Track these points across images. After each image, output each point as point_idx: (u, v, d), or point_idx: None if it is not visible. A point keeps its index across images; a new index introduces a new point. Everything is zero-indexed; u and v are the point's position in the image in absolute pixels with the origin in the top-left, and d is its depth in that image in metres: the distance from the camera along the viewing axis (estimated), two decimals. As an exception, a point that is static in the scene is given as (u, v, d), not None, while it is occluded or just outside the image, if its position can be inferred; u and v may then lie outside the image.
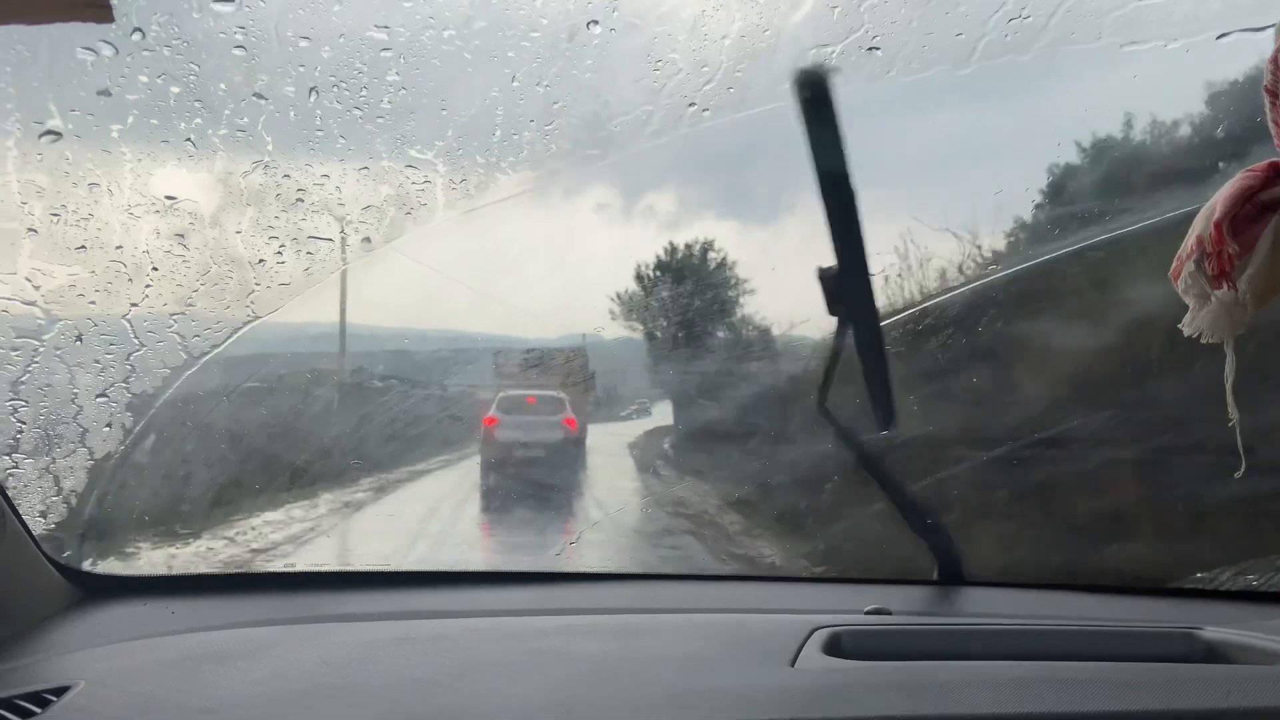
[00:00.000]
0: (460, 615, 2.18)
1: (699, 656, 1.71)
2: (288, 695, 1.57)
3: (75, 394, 2.20)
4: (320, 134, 1.59)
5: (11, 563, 1.98)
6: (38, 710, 1.48)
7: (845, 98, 1.38)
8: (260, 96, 1.53)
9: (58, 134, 1.63)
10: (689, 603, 2.25)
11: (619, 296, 9.85)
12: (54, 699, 1.51)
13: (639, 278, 9.75)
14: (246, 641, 1.93)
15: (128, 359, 2.11)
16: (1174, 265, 1.37)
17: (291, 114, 1.56)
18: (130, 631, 2.06)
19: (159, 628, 2.09)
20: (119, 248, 1.82)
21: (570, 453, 8.62)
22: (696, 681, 1.55)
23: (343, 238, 1.95)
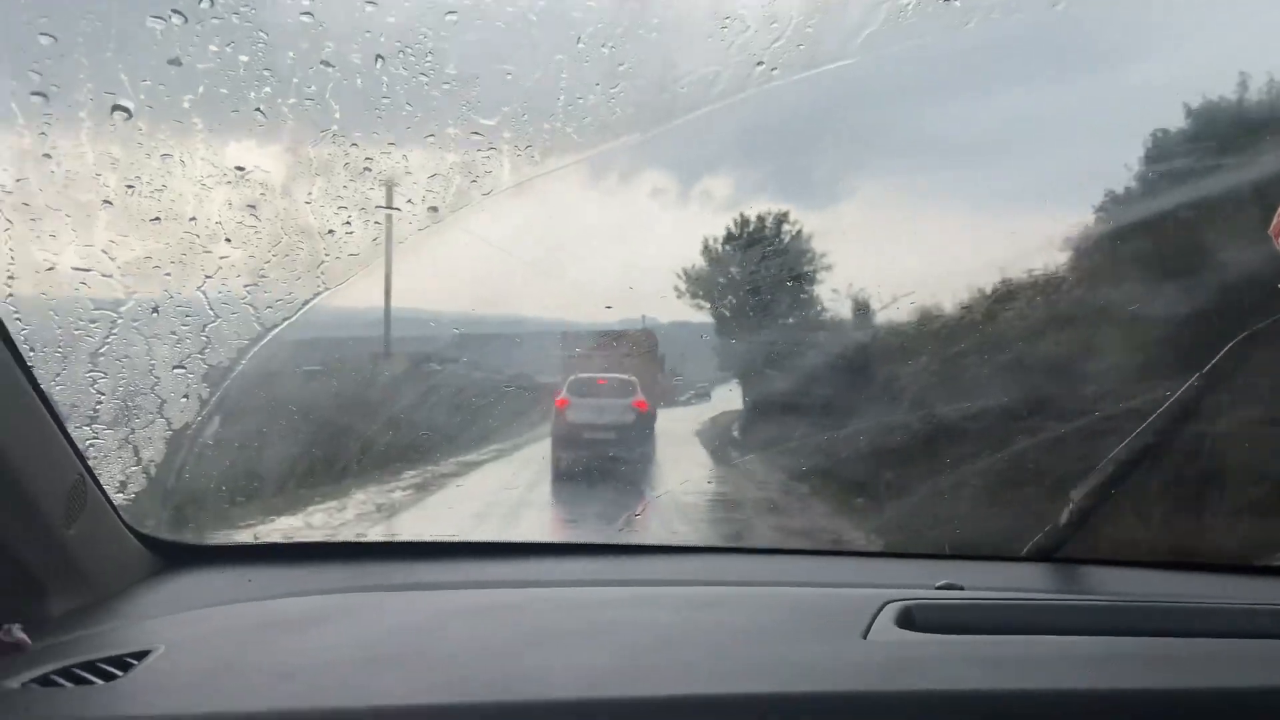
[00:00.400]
0: (528, 585, 2.19)
1: (768, 628, 1.69)
2: (361, 661, 1.58)
3: (153, 365, 2.23)
4: (387, 101, 1.58)
5: (94, 532, 2.03)
6: (119, 673, 1.52)
7: (920, 52, 1.31)
8: (327, 64, 1.53)
9: (128, 110, 1.65)
10: (755, 576, 2.22)
11: (684, 273, 9.66)
12: (135, 662, 1.55)
13: (706, 252, 9.51)
14: (321, 608, 1.96)
15: (203, 330, 2.13)
16: (1275, 222, 1.29)
17: (358, 81, 1.56)
18: (209, 599, 2.10)
19: (236, 595, 2.13)
20: (192, 219, 1.85)
21: (641, 435, 8.59)
22: (766, 652, 1.53)
23: (384, 211, 1.95)
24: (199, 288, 2.02)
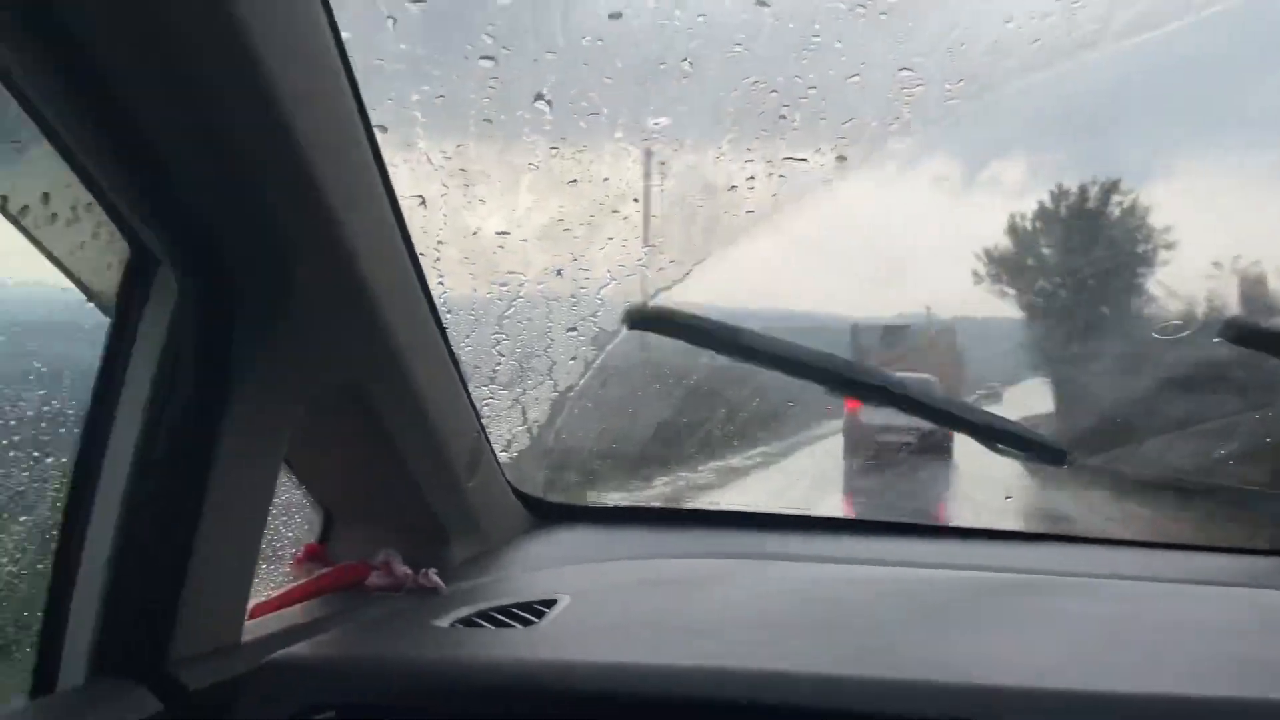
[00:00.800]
0: (902, 564, 2.09)
1: (1245, 628, 1.50)
2: (765, 623, 1.56)
3: (549, 328, 2.34)
4: (816, 40, 1.53)
5: (486, 488, 2.16)
6: (534, 619, 1.58)
7: None
8: (763, 4, 1.49)
9: (547, 102, 1.70)
10: (1169, 573, 1.99)
11: (986, 255, 8.93)
12: (545, 610, 1.61)
13: (1012, 231, 8.72)
14: (708, 571, 1.97)
15: (598, 293, 2.20)
16: None
17: (790, 24, 1.51)
18: (580, 556, 2.18)
19: (605, 554, 2.19)
20: (606, 179, 1.90)
21: (939, 440, 8.09)
22: (1262, 652, 1.36)
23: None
24: (601, 248, 2.08)
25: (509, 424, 2.43)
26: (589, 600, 1.74)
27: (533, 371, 2.43)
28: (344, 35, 1.32)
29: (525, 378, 2.43)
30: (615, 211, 1.95)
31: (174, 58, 1.02)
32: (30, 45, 0.96)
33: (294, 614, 1.66)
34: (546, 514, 2.39)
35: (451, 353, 1.97)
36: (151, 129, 1.07)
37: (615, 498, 3.09)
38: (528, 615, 1.62)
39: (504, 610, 1.66)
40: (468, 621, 1.62)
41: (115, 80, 1.01)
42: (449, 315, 1.94)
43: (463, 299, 2.08)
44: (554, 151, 1.82)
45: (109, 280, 1.26)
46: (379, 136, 1.50)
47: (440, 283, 1.91)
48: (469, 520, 2.09)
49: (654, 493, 2.99)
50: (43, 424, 1.39)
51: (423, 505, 1.94)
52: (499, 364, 2.30)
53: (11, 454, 1.34)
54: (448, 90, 1.68)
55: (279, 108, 1.14)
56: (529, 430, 2.54)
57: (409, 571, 1.85)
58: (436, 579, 1.87)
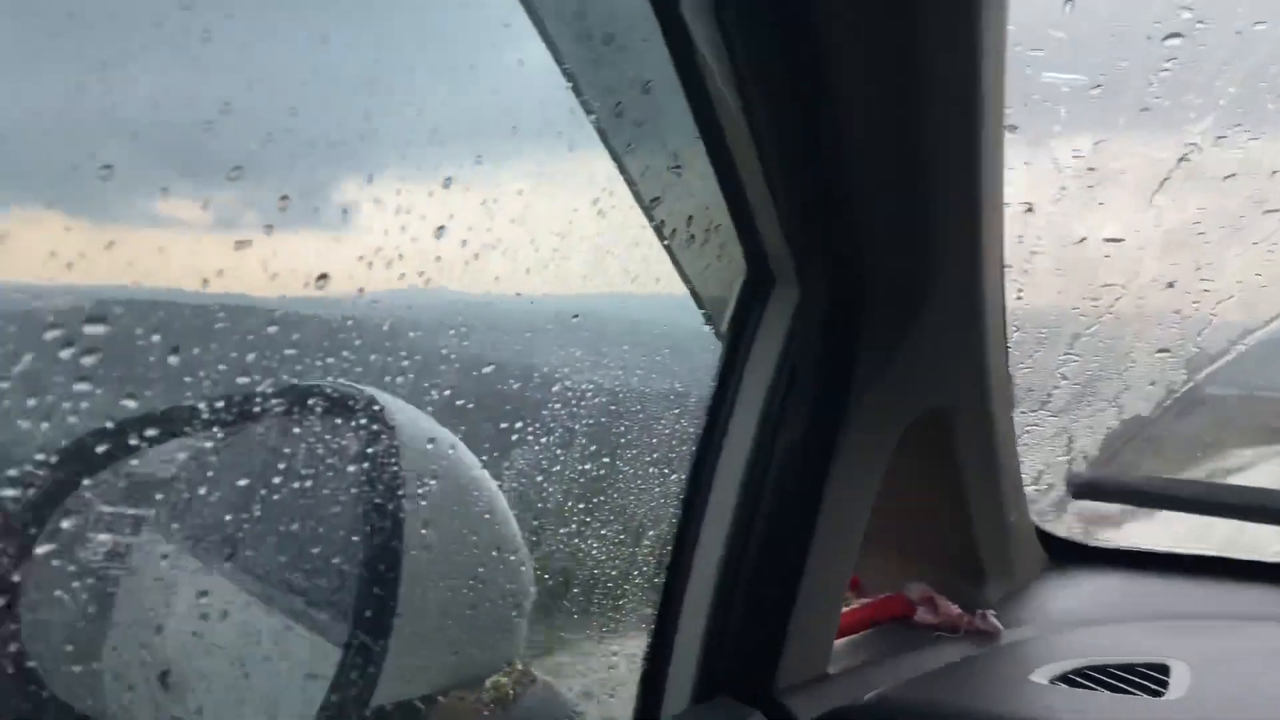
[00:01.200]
0: None
1: None
2: None
3: (1134, 348, 2.07)
4: None
5: (1019, 522, 1.97)
6: (1154, 686, 1.37)
7: None
8: None
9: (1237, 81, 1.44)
10: None
11: None
12: (1159, 676, 1.40)
13: None
14: None
15: (1212, 308, 1.90)
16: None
17: None
18: (1125, 608, 1.92)
19: (1155, 607, 1.91)
20: (1275, 172, 1.59)
21: None
22: None
23: None
24: (1237, 254, 1.77)
25: (1046, 453, 2.19)
26: (1214, 672, 1.48)
27: (1095, 396, 2.17)
28: (1008, 27, 1.18)
29: (1083, 402, 2.18)
30: (1273, 211, 1.63)
31: (902, 66, 0.95)
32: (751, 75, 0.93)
33: (858, 646, 1.55)
34: (1060, 553, 2.16)
35: (1008, 373, 1.79)
36: (822, 140, 1.00)
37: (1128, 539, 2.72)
38: (1137, 679, 1.41)
39: (1103, 670, 1.46)
40: (1067, 680, 1.44)
41: (810, 90, 0.94)
42: (1015, 333, 1.75)
43: (1035, 315, 1.88)
44: (1220, 140, 1.54)
45: (727, 300, 1.24)
46: (1006, 137, 1.34)
47: (1019, 296, 1.72)
48: (1005, 558, 1.91)
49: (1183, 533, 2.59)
50: (674, 441, 1.37)
51: (966, 538, 1.79)
52: (1057, 388, 2.07)
53: (650, 470, 1.32)
54: (1108, 78, 1.47)
55: (962, 112, 1.04)
56: (1070, 461, 2.29)
57: (961, 611, 1.69)
58: (996, 622, 1.70)
